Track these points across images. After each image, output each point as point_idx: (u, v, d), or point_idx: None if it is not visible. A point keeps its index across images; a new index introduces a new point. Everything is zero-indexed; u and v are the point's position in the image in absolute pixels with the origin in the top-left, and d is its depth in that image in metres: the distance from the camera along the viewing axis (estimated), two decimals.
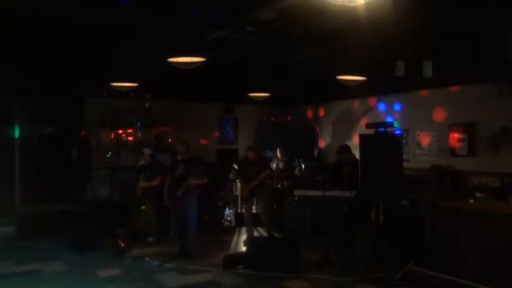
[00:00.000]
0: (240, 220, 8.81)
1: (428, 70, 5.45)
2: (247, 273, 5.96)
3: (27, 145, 8.36)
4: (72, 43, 5.03)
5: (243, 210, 9.20)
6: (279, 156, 9.19)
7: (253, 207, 8.12)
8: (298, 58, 5.72)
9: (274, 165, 9.08)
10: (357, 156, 6.70)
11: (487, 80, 6.94)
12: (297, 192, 7.75)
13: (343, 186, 6.95)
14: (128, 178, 8.50)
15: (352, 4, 3.01)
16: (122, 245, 6.98)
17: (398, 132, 7.76)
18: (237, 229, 8.69)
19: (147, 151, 8.08)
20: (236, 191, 9.38)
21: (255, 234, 8.18)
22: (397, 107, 8.68)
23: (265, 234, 7.90)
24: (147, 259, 6.65)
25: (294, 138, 10.31)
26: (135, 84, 7.30)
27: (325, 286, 5.52)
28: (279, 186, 9.07)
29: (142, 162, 8.12)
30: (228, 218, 8.69)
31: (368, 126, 6.37)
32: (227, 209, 8.74)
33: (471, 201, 5.64)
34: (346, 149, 7.56)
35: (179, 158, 6.90)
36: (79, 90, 8.40)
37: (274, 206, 8.76)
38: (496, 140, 6.90)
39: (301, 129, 10.84)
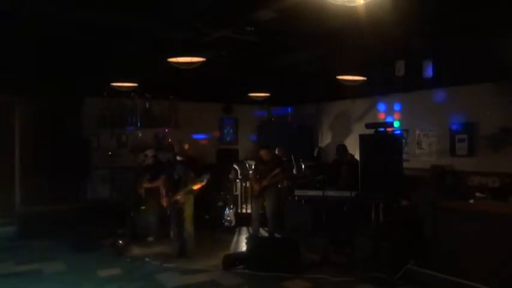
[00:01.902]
0: (240, 220, 8.82)
1: (428, 70, 5.45)
2: (247, 273, 5.96)
3: (27, 145, 8.36)
4: (72, 43, 5.04)
5: (243, 210, 9.25)
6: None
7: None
8: (298, 58, 5.73)
9: None
10: (357, 156, 6.71)
11: (487, 80, 6.94)
12: (297, 192, 7.74)
13: (340, 186, 6.96)
14: (128, 178, 8.49)
15: (352, 4, 3.02)
16: (122, 245, 6.97)
17: (398, 132, 7.77)
18: (237, 229, 8.68)
19: (150, 152, 8.05)
20: (236, 191, 9.39)
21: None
22: (397, 107, 8.68)
23: (266, 234, 7.89)
24: (147, 259, 6.65)
25: (294, 138, 10.31)
26: (135, 84, 7.31)
27: (325, 286, 5.51)
28: (279, 186, 9.06)
29: (144, 163, 8.10)
30: (228, 218, 8.68)
31: (368, 126, 6.37)
32: (227, 209, 8.74)
33: (471, 201, 5.64)
34: (343, 149, 7.55)
35: (178, 158, 6.90)
36: (79, 90, 8.40)
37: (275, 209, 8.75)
38: (496, 140, 6.90)
39: (301, 129, 10.84)
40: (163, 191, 6.89)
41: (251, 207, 8.24)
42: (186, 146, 6.99)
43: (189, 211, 6.74)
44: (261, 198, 7.64)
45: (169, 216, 6.94)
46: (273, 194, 7.60)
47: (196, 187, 6.67)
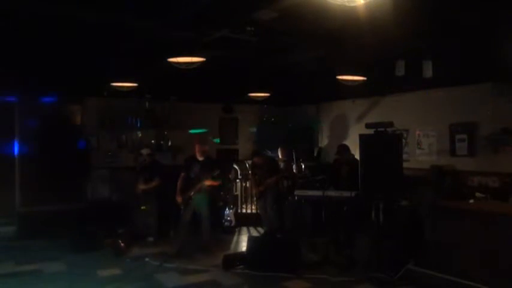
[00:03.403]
0: (240, 220, 8.83)
1: (428, 70, 5.45)
2: (247, 273, 5.96)
3: (27, 145, 8.36)
4: (72, 43, 5.04)
5: (243, 210, 9.27)
6: (279, 156, 9.19)
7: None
8: (298, 58, 5.72)
9: None
10: (357, 156, 6.70)
11: (487, 80, 6.94)
12: (297, 192, 7.75)
13: (340, 186, 6.95)
14: (128, 178, 8.49)
15: (352, 4, 3.01)
16: (122, 245, 6.97)
17: None
18: (237, 229, 8.69)
19: (145, 151, 8.06)
20: (236, 191, 9.39)
21: (256, 234, 8.21)
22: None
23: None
24: (147, 259, 6.65)
25: (294, 138, 10.30)
26: (135, 84, 7.30)
27: (325, 286, 5.52)
28: (279, 186, 9.07)
29: (143, 161, 8.11)
30: (228, 218, 8.69)
31: (368, 126, 6.36)
32: (227, 209, 8.74)
33: (471, 201, 5.64)
34: (345, 149, 7.55)
35: (198, 158, 6.96)
36: (79, 90, 8.40)
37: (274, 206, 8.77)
38: (496, 140, 6.90)
39: (301, 129, 10.83)
40: (179, 189, 6.95)
41: (257, 207, 8.51)
42: (204, 147, 7.07)
43: (205, 208, 6.95)
44: (262, 199, 7.84)
45: (170, 215, 6.97)
46: (272, 192, 7.76)
47: (208, 183, 6.85)
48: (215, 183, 6.99)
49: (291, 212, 8.30)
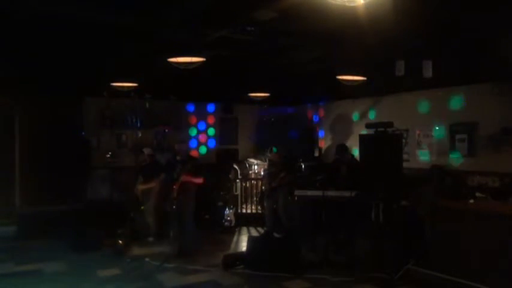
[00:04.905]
0: (240, 220, 8.83)
1: (428, 70, 5.45)
2: (247, 273, 5.96)
3: (27, 145, 8.36)
4: (72, 43, 5.04)
5: (243, 210, 9.27)
6: None
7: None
8: (298, 58, 5.72)
9: None
10: (357, 156, 6.70)
11: (487, 80, 6.94)
12: (297, 192, 7.75)
13: (340, 186, 6.96)
14: (128, 178, 8.49)
15: (352, 4, 3.02)
16: (122, 245, 6.97)
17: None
18: (237, 229, 8.69)
19: (147, 150, 8.08)
20: (236, 191, 9.39)
21: (256, 234, 8.21)
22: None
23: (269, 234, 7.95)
24: (147, 259, 6.65)
25: (294, 138, 10.30)
26: (135, 84, 7.30)
27: (325, 286, 5.52)
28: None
29: (143, 160, 8.11)
30: (228, 218, 8.69)
31: (368, 126, 6.36)
32: (227, 209, 8.74)
33: (471, 201, 5.63)
34: (344, 149, 7.56)
35: (178, 158, 6.93)
36: (79, 90, 8.40)
37: (274, 206, 8.77)
38: (496, 140, 6.89)
39: (301, 129, 10.83)
40: (160, 192, 6.89)
41: (257, 207, 8.64)
42: (184, 146, 7.01)
43: (185, 208, 6.79)
44: (272, 198, 7.91)
45: (169, 216, 6.94)
46: (282, 192, 7.86)
47: (184, 179, 6.60)
48: (193, 179, 6.68)
49: (291, 212, 8.31)
